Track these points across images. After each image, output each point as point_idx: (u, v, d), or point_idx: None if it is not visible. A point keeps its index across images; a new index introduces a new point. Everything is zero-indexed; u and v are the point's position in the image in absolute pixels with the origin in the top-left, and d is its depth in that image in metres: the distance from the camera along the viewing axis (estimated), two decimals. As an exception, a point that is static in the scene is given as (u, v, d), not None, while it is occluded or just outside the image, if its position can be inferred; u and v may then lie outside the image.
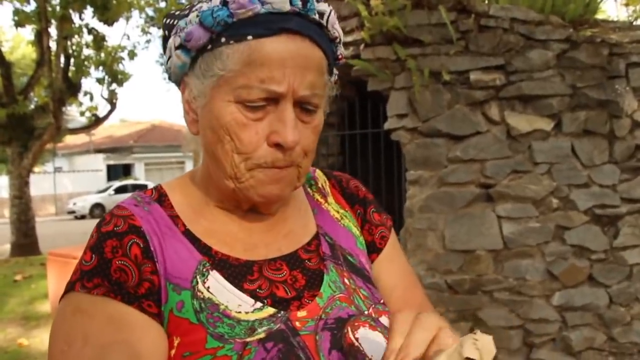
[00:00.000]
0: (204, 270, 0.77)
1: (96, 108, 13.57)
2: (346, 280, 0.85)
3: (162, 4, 12.98)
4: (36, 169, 21.12)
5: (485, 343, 0.61)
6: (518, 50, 3.44)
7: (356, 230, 0.95)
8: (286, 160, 0.77)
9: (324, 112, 0.83)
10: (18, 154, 11.84)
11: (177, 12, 0.81)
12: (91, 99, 13.31)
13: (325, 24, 0.78)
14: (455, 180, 3.49)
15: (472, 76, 3.44)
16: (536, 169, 3.46)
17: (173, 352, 0.73)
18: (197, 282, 0.76)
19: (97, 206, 24.89)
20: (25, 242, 11.87)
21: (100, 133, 30.81)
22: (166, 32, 0.82)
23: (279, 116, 0.75)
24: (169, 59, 0.81)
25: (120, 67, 13.55)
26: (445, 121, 3.48)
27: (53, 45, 11.71)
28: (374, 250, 0.96)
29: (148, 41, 25.83)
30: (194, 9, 0.77)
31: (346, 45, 3.58)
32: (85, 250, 0.76)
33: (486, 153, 3.46)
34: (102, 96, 13.75)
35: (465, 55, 3.48)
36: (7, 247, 12.29)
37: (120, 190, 25.33)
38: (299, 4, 0.74)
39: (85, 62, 12.69)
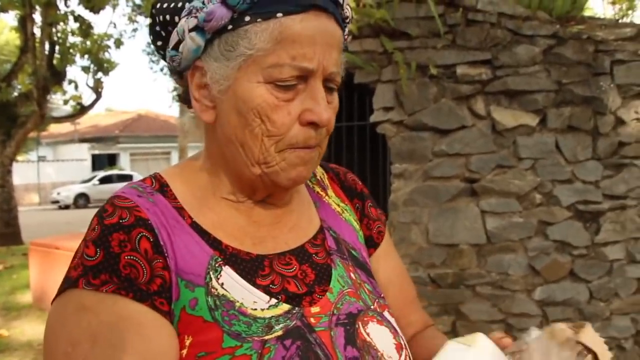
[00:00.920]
0: (217, 265, 0.74)
1: (81, 97, 13.42)
2: (352, 275, 0.85)
3: (150, -7, 12.84)
4: (19, 158, 20.87)
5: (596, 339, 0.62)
6: (505, 45, 3.44)
7: (356, 225, 0.94)
8: (317, 138, 0.76)
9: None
10: (1, 142, 11.67)
11: None
12: (76, 87, 13.17)
13: (341, 2, 0.78)
14: (440, 174, 3.49)
15: (459, 70, 3.44)
16: (520, 164, 3.47)
17: (184, 352, 0.70)
18: (211, 279, 0.73)
19: (81, 196, 24.70)
20: (8, 231, 11.73)
21: (86, 122, 30.53)
22: (165, 16, 0.78)
23: (311, 94, 0.74)
24: (177, 44, 0.77)
25: (107, 55, 13.39)
26: (431, 115, 3.47)
27: (37, 31, 11.53)
28: (372, 244, 0.96)
29: (135, 30, 25.65)
30: None
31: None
32: (86, 243, 0.71)
33: (471, 147, 3.46)
34: (87, 85, 13.58)
35: (452, 49, 3.47)
36: (-11, 236, 12.14)
37: (104, 180, 25.16)
38: None
39: (71, 50, 12.51)
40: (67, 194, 24.88)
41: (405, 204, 3.53)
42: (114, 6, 13.61)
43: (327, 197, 0.95)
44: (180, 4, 0.76)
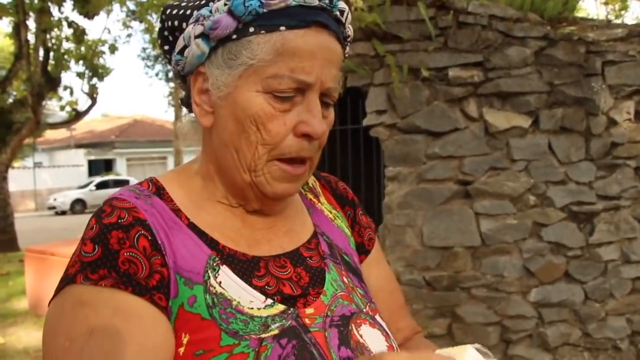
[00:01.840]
0: (215, 264, 0.76)
1: (76, 102, 13.39)
2: (345, 279, 0.87)
3: (144, -2, 12.84)
4: (15, 164, 20.81)
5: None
6: (496, 47, 3.45)
7: (348, 231, 0.97)
8: (310, 150, 0.79)
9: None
10: (-4, 148, 11.65)
11: (184, 3, 0.80)
12: (71, 93, 13.17)
13: (344, 21, 0.81)
14: (434, 176, 3.49)
15: (451, 73, 3.45)
16: (514, 166, 3.47)
17: (182, 350, 0.71)
18: (209, 277, 0.75)
19: (78, 202, 24.63)
20: (4, 238, 11.68)
21: (81, 128, 30.49)
22: (174, 22, 0.80)
23: (307, 107, 0.77)
24: (183, 49, 0.79)
25: (101, 61, 13.39)
26: (424, 117, 3.48)
27: (31, 38, 11.52)
28: (363, 251, 0.98)
29: (129, 35, 25.63)
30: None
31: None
32: (83, 242, 0.72)
33: (464, 150, 3.46)
34: (82, 90, 13.57)
35: (443, 51, 3.48)
36: (-15, 243, 12.10)
37: (101, 185, 25.09)
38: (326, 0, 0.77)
39: (65, 56, 12.50)
40: (64, 199, 24.81)
41: (399, 206, 3.53)
42: (108, 12, 13.61)
43: (319, 204, 0.97)
44: (189, 12, 0.79)
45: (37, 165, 29.10)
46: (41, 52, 11.79)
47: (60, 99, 13.48)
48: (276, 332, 0.73)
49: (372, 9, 3.47)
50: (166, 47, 0.84)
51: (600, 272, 3.53)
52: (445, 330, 3.52)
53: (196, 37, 0.77)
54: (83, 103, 13.87)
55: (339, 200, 1.00)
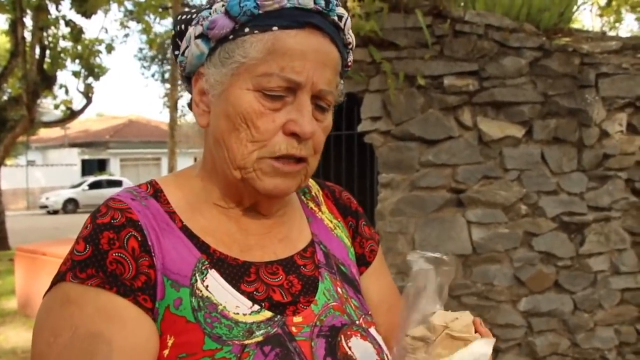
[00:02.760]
0: (203, 268, 0.76)
1: (71, 101, 13.36)
2: (339, 289, 0.86)
3: (142, -1, 12.83)
4: (8, 162, 20.70)
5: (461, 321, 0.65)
6: (492, 56, 3.47)
7: (347, 241, 0.96)
8: (300, 150, 0.78)
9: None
10: (-11, 146, 11.59)
11: (194, 10, 0.83)
12: (66, 92, 13.14)
13: (342, 27, 0.82)
14: (427, 184, 3.50)
15: (446, 81, 3.46)
16: (506, 175, 3.49)
17: (166, 352, 0.72)
18: (196, 280, 0.75)
19: (71, 201, 24.53)
20: (-5, 236, 11.64)
21: (76, 127, 30.38)
22: (182, 26, 0.83)
23: (297, 107, 0.77)
24: (184, 50, 0.82)
25: (98, 60, 13.37)
26: (419, 125, 3.49)
27: (28, 35, 11.49)
28: (363, 263, 0.97)
29: (126, 35, 25.55)
30: (217, 0, 0.79)
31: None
32: (77, 240, 0.74)
33: (458, 158, 3.48)
34: (78, 90, 13.54)
35: (439, 60, 3.49)
36: (-24, 241, 12.02)
37: (94, 185, 25.01)
38: (322, 3, 0.77)
39: (62, 55, 12.47)
40: (56, 199, 24.69)
41: (392, 213, 3.54)
42: (106, 11, 13.58)
43: (320, 213, 0.96)
44: (194, 16, 0.82)
45: (30, 163, 28.96)
46: (37, 50, 11.77)
47: (55, 97, 13.45)
48: (260, 338, 0.74)
49: (370, 15, 3.49)
50: (176, 52, 0.86)
51: (589, 283, 3.55)
52: (435, 338, 3.52)
53: (196, 37, 0.79)
54: (78, 102, 13.85)
55: (341, 210, 0.99)
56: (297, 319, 0.78)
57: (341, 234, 0.96)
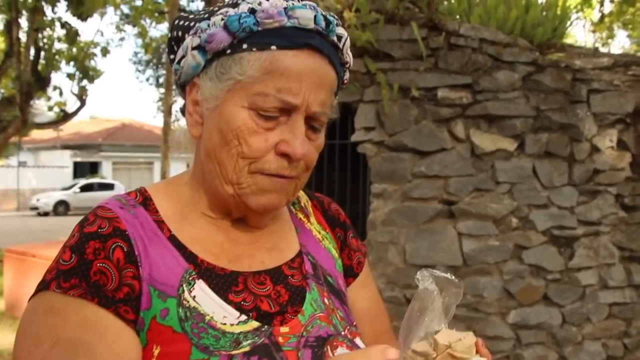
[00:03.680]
0: (190, 278, 0.76)
1: (65, 103, 13.33)
2: (326, 300, 0.86)
3: (138, 2, 12.85)
4: (-1, 162, 20.59)
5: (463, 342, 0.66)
6: (485, 70, 3.51)
7: (335, 253, 0.97)
8: (290, 170, 0.78)
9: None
10: (-19, 146, 11.53)
11: (192, 16, 0.82)
12: (60, 94, 13.09)
13: (341, 47, 0.82)
14: (419, 195, 3.52)
15: (440, 93, 3.49)
16: (498, 188, 3.52)
17: None
18: (184, 291, 0.75)
19: (61, 203, 24.34)
20: (-17, 237, 11.53)
21: (69, 129, 30.23)
22: (178, 32, 0.82)
23: (290, 128, 0.77)
24: (181, 58, 0.81)
25: (92, 63, 13.36)
26: (412, 136, 3.51)
27: (23, 36, 11.46)
28: (351, 274, 0.98)
29: (122, 39, 25.51)
30: (217, 12, 0.78)
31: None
32: (64, 249, 0.74)
33: (450, 170, 3.50)
34: (72, 92, 13.50)
35: (434, 72, 3.52)
36: (-36, 241, 11.91)
37: (86, 188, 24.85)
38: (323, 23, 0.77)
39: (56, 56, 12.45)
40: (47, 200, 24.50)
41: (383, 223, 3.55)
42: (102, 14, 13.59)
43: (309, 224, 0.96)
44: (192, 23, 0.81)
45: (22, 164, 28.77)
46: (32, 51, 11.73)
47: (49, 99, 13.41)
48: (247, 349, 0.74)
49: (366, 26, 3.51)
50: (171, 57, 0.86)
51: (578, 297, 3.57)
52: (424, 348, 3.52)
53: (193, 48, 0.79)
54: (72, 104, 13.82)
55: (329, 222, 0.99)
56: (284, 329, 0.78)
57: (329, 245, 0.96)
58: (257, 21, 0.75)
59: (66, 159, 30.62)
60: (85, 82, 13.40)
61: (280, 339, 0.77)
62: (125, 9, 14.25)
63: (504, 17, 3.79)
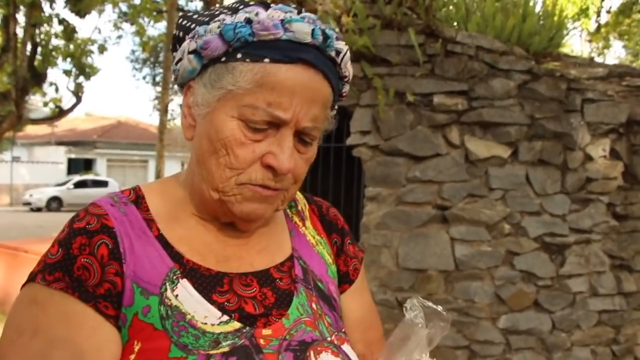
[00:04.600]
0: (174, 277, 0.77)
1: (60, 100, 13.31)
2: (314, 305, 0.86)
3: (137, 0, 12.84)
4: (-7, 157, 20.48)
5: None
6: (481, 77, 3.54)
7: (329, 258, 0.95)
8: (276, 183, 0.78)
9: (318, 144, 0.84)
10: (-25, 140, 11.49)
11: (196, 16, 0.82)
12: (56, 90, 13.15)
13: (339, 62, 0.81)
14: (413, 199, 3.54)
15: (436, 99, 3.52)
16: (491, 195, 3.54)
17: (132, 357, 0.73)
18: (166, 289, 0.76)
19: (55, 199, 24.27)
20: (-24, 231, 11.49)
21: (64, 125, 30.12)
22: (180, 32, 0.82)
23: (278, 141, 0.77)
24: (179, 60, 0.81)
25: (89, 60, 13.35)
26: (407, 141, 3.54)
27: (20, 32, 11.45)
28: (346, 280, 0.97)
29: (119, 37, 25.52)
30: (215, 19, 0.78)
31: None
32: (53, 243, 0.76)
33: (444, 175, 3.53)
34: (68, 88, 13.49)
35: (430, 78, 3.55)
36: (-44, 235, 11.86)
37: (79, 184, 24.78)
38: (320, 38, 0.76)
39: (53, 53, 12.44)
40: (40, 196, 24.42)
41: (377, 227, 3.58)
42: (100, 12, 13.57)
43: (304, 228, 0.96)
44: (193, 25, 0.80)
45: (15, 159, 28.64)
46: (29, 47, 11.71)
47: (44, 94, 13.39)
48: (226, 349, 0.74)
49: (363, 31, 3.54)
50: (174, 54, 0.85)
51: (568, 303, 3.60)
52: (415, 352, 3.54)
53: (190, 52, 0.79)
54: (67, 101, 13.79)
55: (326, 227, 0.99)
56: (267, 331, 0.78)
57: (322, 250, 0.95)
58: (252, 32, 0.75)
59: (60, 155, 30.51)
60: (81, 79, 13.41)
61: (262, 341, 0.76)
62: (123, 7, 14.23)
63: (501, 25, 3.82)
